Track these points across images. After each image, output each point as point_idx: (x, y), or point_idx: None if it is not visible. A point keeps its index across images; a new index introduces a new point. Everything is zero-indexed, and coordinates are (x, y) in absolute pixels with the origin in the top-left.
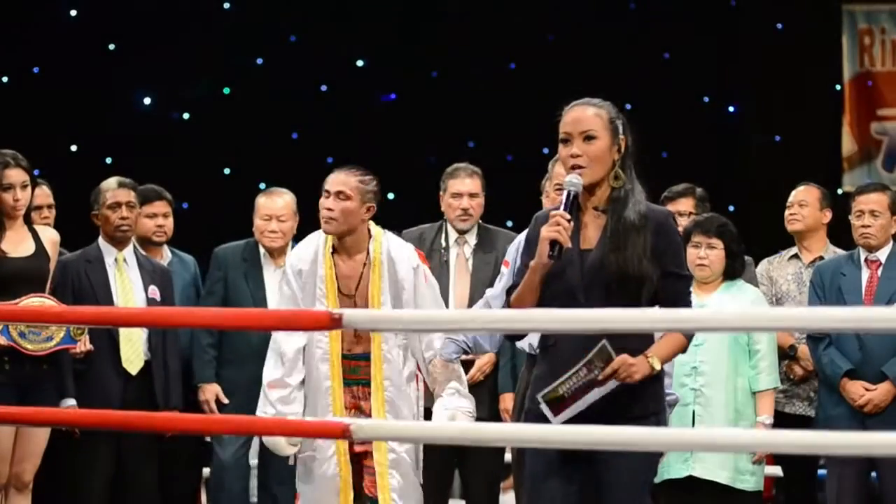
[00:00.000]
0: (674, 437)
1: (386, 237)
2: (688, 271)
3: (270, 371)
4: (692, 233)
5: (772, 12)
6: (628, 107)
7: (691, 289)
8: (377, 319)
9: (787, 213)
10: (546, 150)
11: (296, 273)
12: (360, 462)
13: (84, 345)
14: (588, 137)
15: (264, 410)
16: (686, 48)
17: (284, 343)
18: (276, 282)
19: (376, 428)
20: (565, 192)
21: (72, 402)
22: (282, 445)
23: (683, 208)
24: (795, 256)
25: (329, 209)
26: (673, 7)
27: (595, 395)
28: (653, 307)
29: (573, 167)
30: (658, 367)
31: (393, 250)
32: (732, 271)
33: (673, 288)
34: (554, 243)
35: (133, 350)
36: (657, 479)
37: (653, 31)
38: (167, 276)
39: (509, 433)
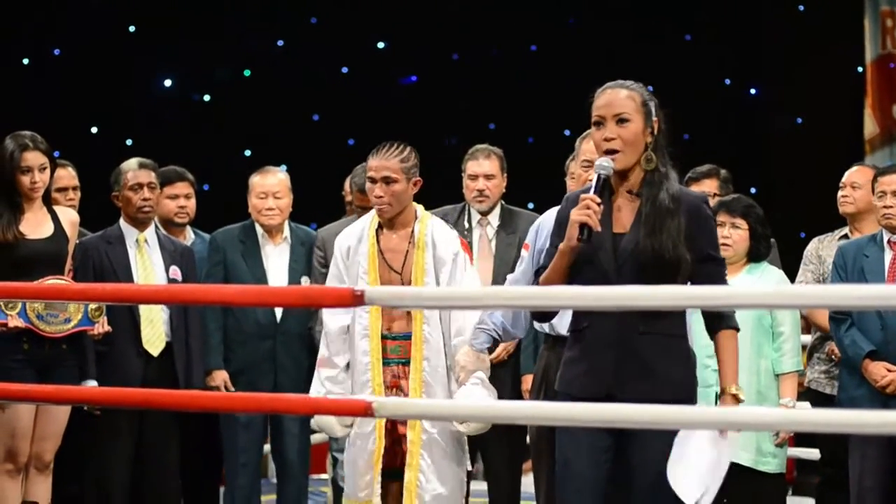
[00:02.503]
0: (701, 415)
1: (431, 220)
2: (721, 255)
3: (321, 350)
4: (717, 212)
5: None
6: (650, 89)
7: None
8: (399, 296)
9: (839, 194)
10: (567, 133)
11: (343, 253)
12: (402, 443)
13: (102, 326)
14: (621, 120)
15: (317, 389)
16: (707, 30)
17: (329, 321)
18: (275, 260)
19: (398, 406)
20: (595, 176)
21: (93, 382)
22: (332, 425)
23: (707, 189)
24: (845, 237)
25: (380, 196)
26: None
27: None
28: None
29: (606, 151)
30: (743, 396)
31: (436, 233)
32: (757, 253)
33: (708, 271)
34: (583, 226)
35: (154, 331)
36: None
37: (674, 14)
38: (189, 255)
39: (534, 411)
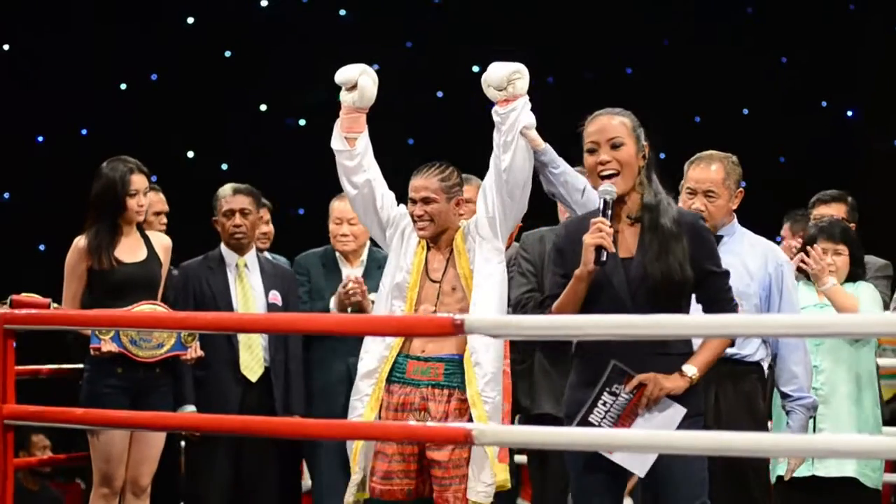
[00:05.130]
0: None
1: (466, 226)
2: (723, 268)
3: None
4: (817, 238)
5: (890, 15)
6: (745, 111)
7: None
8: (499, 325)
9: None
10: (662, 156)
11: (401, 229)
12: (429, 470)
13: (195, 351)
14: (615, 145)
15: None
16: (804, 52)
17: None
18: None
19: (498, 433)
20: (601, 200)
21: (191, 408)
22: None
23: (835, 213)
24: None
25: (419, 216)
26: (790, 11)
27: (641, 423)
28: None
29: (601, 175)
30: (696, 375)
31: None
32: (855, 276)
33: (714, 285)
34: (599, 249)
35: (253, 357)
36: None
37: (770, 36)
38: (290, 279)
39: (639, 439)
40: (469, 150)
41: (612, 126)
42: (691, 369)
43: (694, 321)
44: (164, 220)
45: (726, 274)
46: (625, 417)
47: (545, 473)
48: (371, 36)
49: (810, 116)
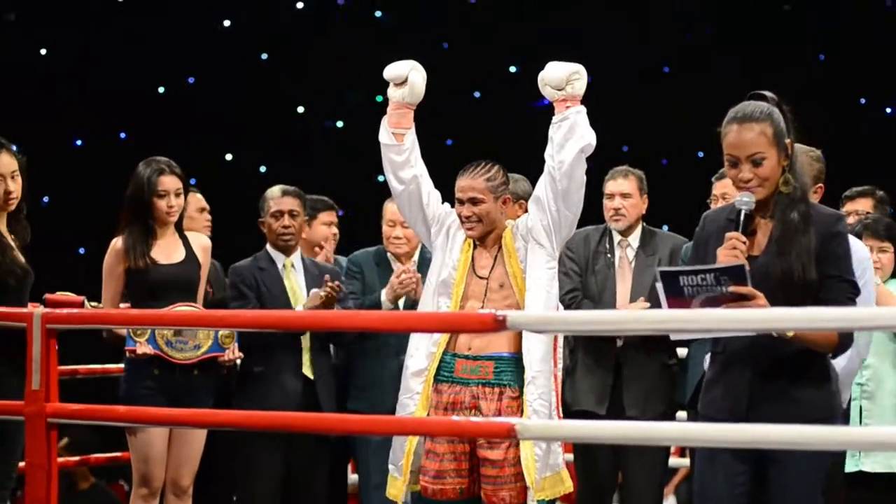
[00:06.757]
0: (842, 435)
1: (515, 225)
2: (853, 276)
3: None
4: (861, 235)
5: None
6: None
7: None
8: (539, 321)
9: None
10: (700, 154)
11: (447, 227)
12: (479, 469)
13: (232, 353)
14: (756, 161)
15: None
16: (842, 49)
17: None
18: None
19: (542, 428)
20: (738, 212)
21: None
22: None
23: (861, 207)
24: None
25: (467, 216)
26: (828, 8)
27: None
28: None
29: (740, 188)
30: (789, 335)
31: (519, 240)
32: None
33: (834, 291)
34: None
35: (310, 355)
36: None
37: (808, 33)
38: (336, 277)
39: (678, 432)
40: (507, 149)
41: (751, 141)
42: (790, 333)
43: (733, 316)
44: (209, 217)
45: (852, 284)
46: (706, 302)
47: (588, 473)
48: (407, 37)
49: (849, 113)
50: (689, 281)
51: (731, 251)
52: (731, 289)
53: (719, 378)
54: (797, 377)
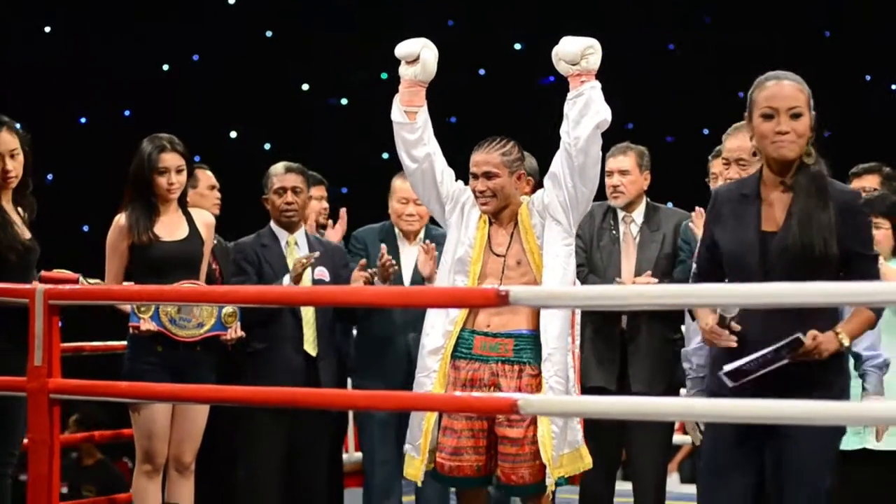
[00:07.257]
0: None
1: (531, 201)
2: (875, 251)
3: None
4: None
5: None
6: None
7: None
8: (543, 296)
9: None
10: (706, 131)
11: (461, 204)
12: (496, 446)
13: (235, 332)
14: (795, 115)
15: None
16: (847, 26)
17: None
18: (409, 260)
19: (544, 403)
20: (723, 318)
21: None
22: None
23: (868, 184)
24: None
25: (482, 191)
26: None
27: (775, 367)
28: None
29: (774, 142)
30: (847, 343)
31: (535, 216)
32: None
33: (858, 269)
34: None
35: (311, 332)
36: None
37: (813, 10)
38: (339, 253)
39: (685, 407)
40: (511, 126)
41: (792, 94)
42: (846, 339)
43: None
44: (218, 194)
45: (874, 259)
46: (765, 364)
47: (593, 449)
48: (412, 14)
49: (854, 90)
50: (750, 366)
51: (715, 339)
52: (791, 354)
53: (730, 357)
54: (809, 364)
